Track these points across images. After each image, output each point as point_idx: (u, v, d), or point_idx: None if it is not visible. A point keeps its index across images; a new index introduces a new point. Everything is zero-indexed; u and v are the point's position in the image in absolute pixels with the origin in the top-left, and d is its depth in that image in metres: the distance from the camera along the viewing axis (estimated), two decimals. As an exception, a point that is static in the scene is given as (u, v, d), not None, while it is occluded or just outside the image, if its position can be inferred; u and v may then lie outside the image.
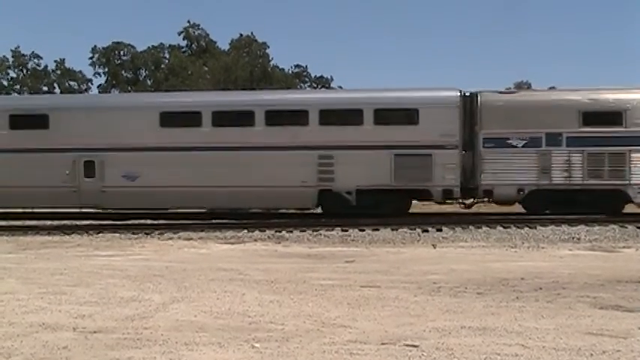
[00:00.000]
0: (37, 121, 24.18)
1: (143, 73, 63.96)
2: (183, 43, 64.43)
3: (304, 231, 19.65)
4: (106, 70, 63.43)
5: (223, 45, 63.94)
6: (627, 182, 21.88)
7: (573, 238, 18.05)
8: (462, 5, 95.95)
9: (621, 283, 11.10)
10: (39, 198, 24.26)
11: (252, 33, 62.80)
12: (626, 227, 19.39)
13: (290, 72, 65.25)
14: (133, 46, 63.32)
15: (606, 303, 9.50)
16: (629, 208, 22.85)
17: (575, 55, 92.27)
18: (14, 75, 63.14)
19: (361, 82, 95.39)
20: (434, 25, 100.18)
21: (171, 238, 19.00)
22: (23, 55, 62.50)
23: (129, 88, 59.95)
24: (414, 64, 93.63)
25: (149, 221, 23.16)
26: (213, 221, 22.42)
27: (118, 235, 19.78)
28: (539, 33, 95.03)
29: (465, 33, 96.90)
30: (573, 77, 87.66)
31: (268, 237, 18.98)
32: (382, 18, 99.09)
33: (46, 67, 63.45)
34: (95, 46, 63.01)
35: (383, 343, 7.36)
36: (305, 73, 66.13)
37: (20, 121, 24.29)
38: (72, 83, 63.35)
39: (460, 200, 23.48)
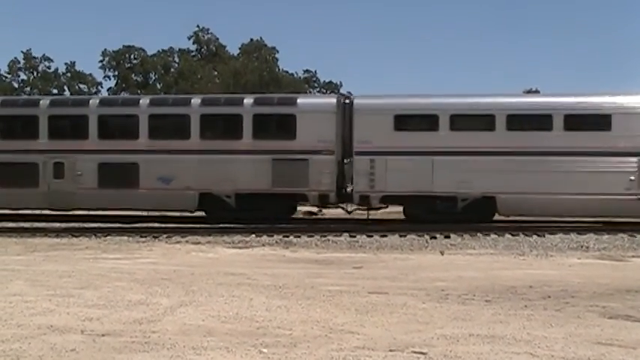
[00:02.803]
0: (596, 121, 22.70)
1: (153, 76, 64.21)
2: (193, 47, 64.72)
3: (312, 236, 19.64)
4: (116, 73, 63.74)
5: (233, 49, 64.19)
6: None
7: (582, 246, 17.96)
8: (471, 9, 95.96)
9: (631, 293, 11.04)
10: (595, 207, 22.40)
11: (260, 38, 63.07)
12: (635, 236, 19.29)
13: (299, 77, 65.40)
14: (143, 50, 63.65)
15: (615, 312, 9.44)
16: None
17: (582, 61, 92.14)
18: (25, 77, 63.55)
19: (370, 88, 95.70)
20: (442, 30, 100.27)
21: (179, 242, 19.02)
22: (34, 57, 62.88)
23: (138, 91, 60.15)
24: (423, 67, 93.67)
25: (157, 225, 23.16)
26: (221, 226, 22.40)
27: (126, 238, 19.81)
28: (548, 39, 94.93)
29: (474, 37, 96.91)
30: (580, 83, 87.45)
31: (276, 242, 18.97)
32: (391, 22, 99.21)
33: (56, 69, 63.85)
34: (105, 49, 63.42)
35: (391, 350, 7.34)
36: (314, 78, 66.28)
37: (576, 122, 22.63)
38: (82, 86, 63.67)
39: None
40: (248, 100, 24.33)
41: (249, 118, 23.63)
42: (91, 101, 25.77)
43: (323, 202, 23.78)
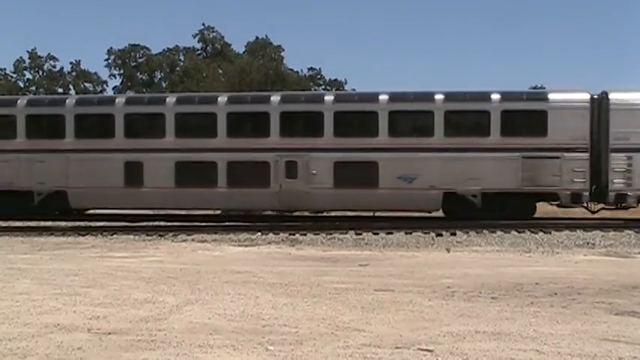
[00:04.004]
0: None
1: (158, 75, 64.29)
2: (199, 45, 64.76)
3: (318, 234, 19.65)
4: (122, 72, 63.83)
5: (238, 47, 64.22)
6: None
7: (588, 243, 17.94)
8: (473, 7, 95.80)
9: (637, 289, 11.01)
10: None
11: (266, 36, 63.10)
12: (642, 233, 19.23)
13: (304, 75, 65.34)
14: (148, 49, 63.73)
15: (622, 309, 9.42)
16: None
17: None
18: (30, 77, 63.73)
19: (374, 85, 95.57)
20: (444, 26, 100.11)
21: (185, 241, 19.04)
22: (39, 56, 63.02)
23: (144, 90, 60.25)
24: (426, 64, 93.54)
25: (163, 223, 23.15)
26: (227, 224, 22.40)
27: (132, 236, 19.85)
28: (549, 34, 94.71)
29: (477, 33, 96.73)
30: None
31: (282, 240, 18.99)
32: (393, 19, 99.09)
33: (61, 68, 64.00)
34: (111, 48, 63.54)
35: (397, 347, 7.33)
36: (319, 76, 66.21)
37: None
38: (87, 85, 63.80)
39: None
40: (495, 96, 23.26)
41: (497, 114, 22.90)
42: (325, 97, 24.85)
43: (575, 201, 22.75)
